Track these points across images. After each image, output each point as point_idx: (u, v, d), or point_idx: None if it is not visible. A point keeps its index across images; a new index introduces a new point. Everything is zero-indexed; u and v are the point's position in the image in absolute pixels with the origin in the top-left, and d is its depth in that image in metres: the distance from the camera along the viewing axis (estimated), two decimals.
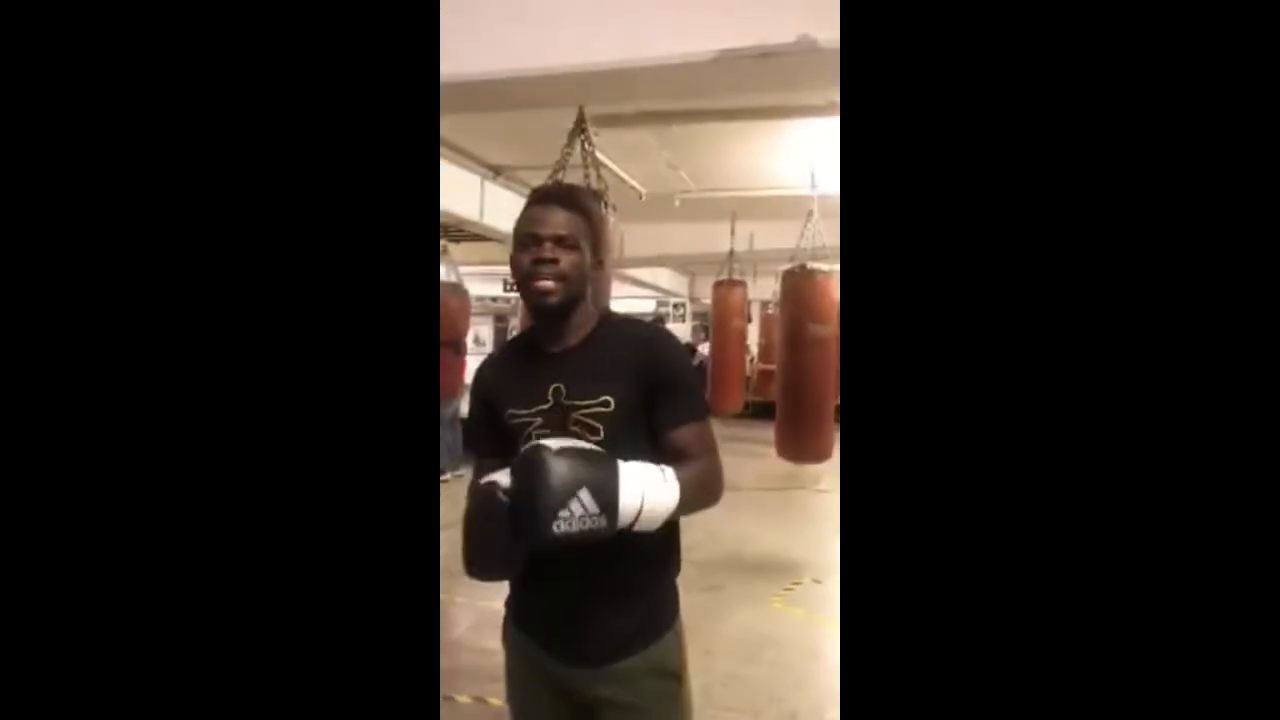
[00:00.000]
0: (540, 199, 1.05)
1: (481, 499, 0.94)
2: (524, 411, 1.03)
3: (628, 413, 0.99)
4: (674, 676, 1.05)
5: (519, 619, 1.10)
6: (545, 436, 0.98)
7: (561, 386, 1.01)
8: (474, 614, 3.17)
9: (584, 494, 0.85)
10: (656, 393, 1.00)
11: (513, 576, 0.98)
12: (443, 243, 5.64)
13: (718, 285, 6.26)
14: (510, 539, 0.90)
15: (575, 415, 0.99)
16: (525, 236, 1.02)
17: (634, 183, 4.72)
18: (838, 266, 3.93)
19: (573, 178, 2.68)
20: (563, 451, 0.87)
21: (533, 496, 0.86)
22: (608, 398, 0.99)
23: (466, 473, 1.14)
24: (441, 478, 5.79)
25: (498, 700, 2.36)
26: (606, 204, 2.57)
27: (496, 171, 4.93)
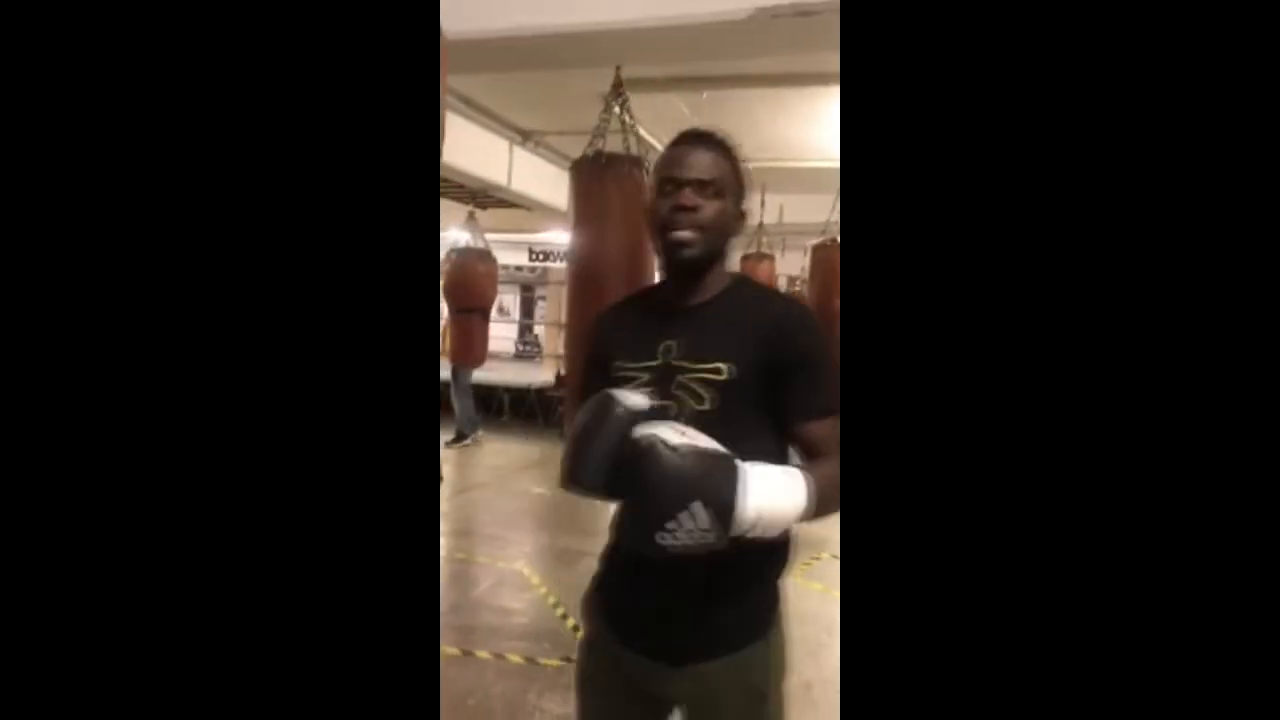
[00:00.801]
0: (683, 139, 0.93)
1: (594, 408, 0.83)
2: (631, 366, 0.92)
3: (743, 385, 0.87)
4: (759, 693, 0.92)
5: (602, 600, 0.99)
6: (649, 397, 0.88)
7: (673, 344, 0.90)
8: (494, 574, 3.22)
9: (698, 507, 0.74)
10: (784, 374, 0.87)
11: (595, 493, 0.84)
12: (470, 208, 5.63)
13: (745, 259, 6.20)
14: (615, 456, 0.79)
15: (682, 378, 0.88)
16: (664, 181, 0.91)
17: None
18: None
19: (611, 144, 2.64)
20: (681, 451, 0.75)
21: (643, 500, 0.76)
22: (720, 364, 0.87)
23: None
24: (463, 443, 5.86)
25: (516, 657, 2.41)
26: (647, 170, 2.53)
27: (525, 136, 4.90)
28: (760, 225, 6.04)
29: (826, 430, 0.88)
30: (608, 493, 0.83)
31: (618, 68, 2.61)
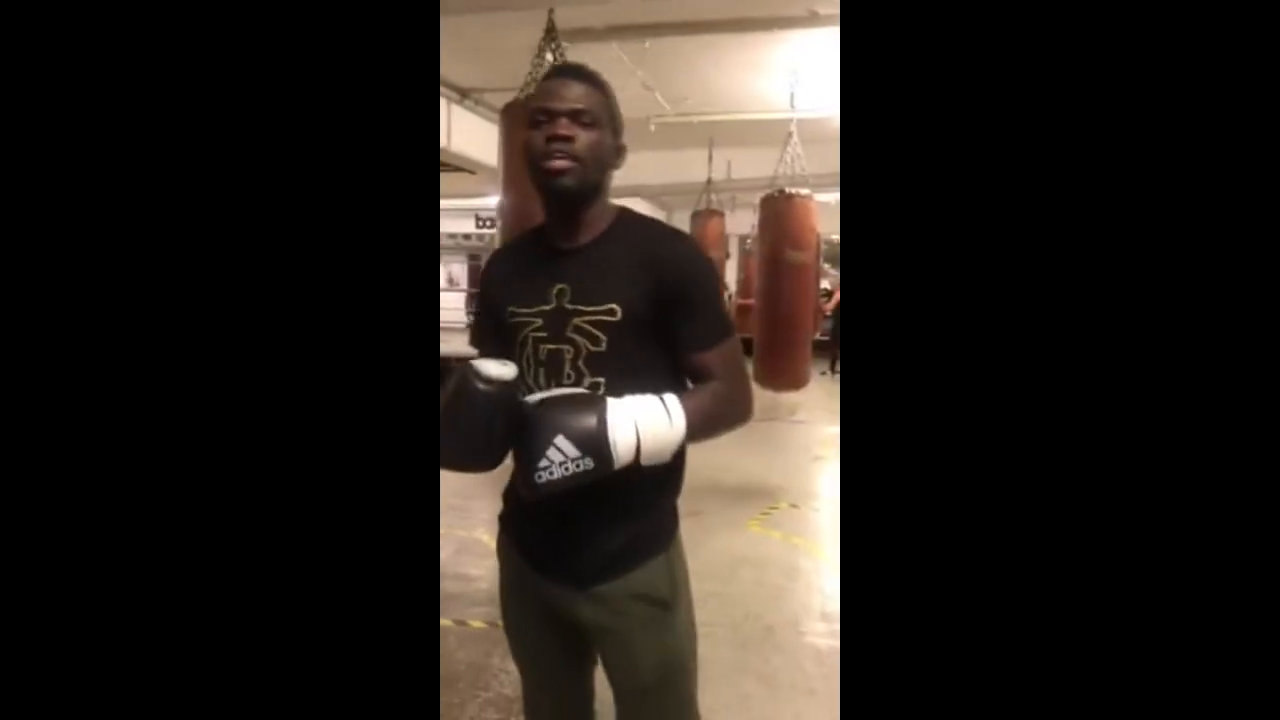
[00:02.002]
0: (555, 72, 0.94)
1: (456, 383, 0.85)
2: (524, 310, 0.94)
3: (636, 323, 0.89)
4: (661, 603, 0.96)
5: (511, 534, 1.04)
6: (544, 340, 0.92)
7: (566, 288, 0.91)
8: (454, 542, 3.19)
9: (561, 440, 0.81)
10: (674, 307, 0.90)
11: (484, 470, 0.87)
12: None
13: (695, 215, 6.16)
14: (484, 430, 0.84)
15: (577, 321, 0.90)
16: (538, 112, 0.90)
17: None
18: (813, 193, 3.86)
19: None
20: (540, 403, 0.84)
21: (518, 453, 0.84)
22: (614, 305, 0.89)
23: None
24: None
25: (479, 623, 2.40)
26: None
27: (464, 94, 4.71)
28: (709, 182, 5.99)
29: (713, 358, 0.92)
30: (486, 466, 0.87)
31: (550, 11, 2.51)
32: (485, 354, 0.96)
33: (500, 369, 0.86)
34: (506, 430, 0.85)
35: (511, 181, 2.45)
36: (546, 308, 0.92)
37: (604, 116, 0.91)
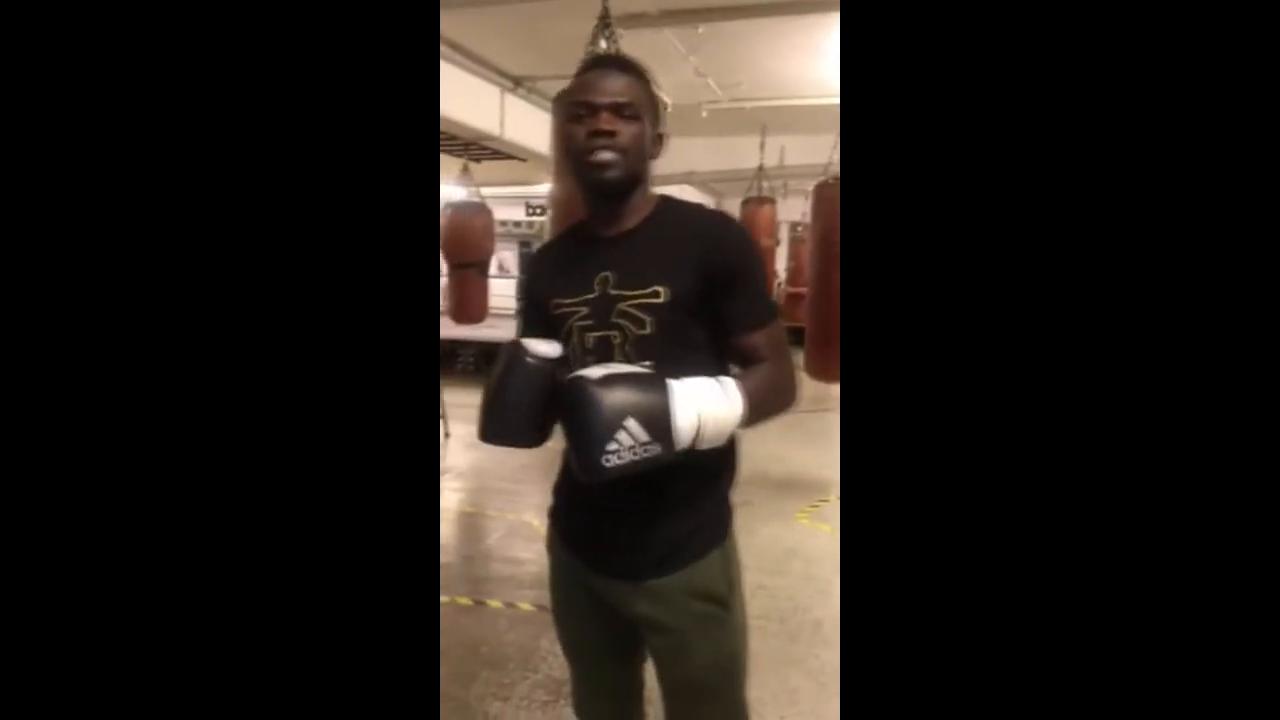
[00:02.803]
0: (594, 64, 0.93)
1: (505, 359, 0.86)
2: (569, 301, 0.93)
3: (681, 306, 0.88)
4: (718, 600, 0.94)
5: (561, 528, 1.02)
6: (589, 329, 0.90)
7: (610, 275, 0.90)
8: (504, 525, 3.25)
9: (631, 423, 0.78)
10: (719, 288, 0.89)
11: (527, 445, 0.89)
12: (463, 162, 5.51)
13: (745, 203, 6.07)
14: (531, 405, 0.84)
15: (621, 306, 0.89)
16: (578, 106, 0.89)
17: (660, 93, 4.52)
18: None
19: None
20: (605, 380, 0.79)
21: (579, 433, 0.80)
22: (658, 288, 0.88)
23: None
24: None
25: (527, 605, 2.44)
26: None
27: (517, 83, 4.74)
28: (760, 169, 5.90)
29: (761, 339, 0.92)
30: (532, 442, 0.89)
31: (604, 1, 2.49)
32: None
33: (548, 347, 0.87)
34: (551, 407, 0.85)
35: (563, 170, 2.46)
36: (590, 295, 0.91)
37: (645, 107, 0.90)
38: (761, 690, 1.91)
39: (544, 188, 8.45)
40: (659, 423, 0.79)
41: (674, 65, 4.13)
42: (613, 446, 0.78)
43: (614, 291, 0.90)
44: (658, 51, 3.67)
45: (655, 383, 0.81)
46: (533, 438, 0.88)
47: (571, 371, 0.84)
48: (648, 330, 0.88)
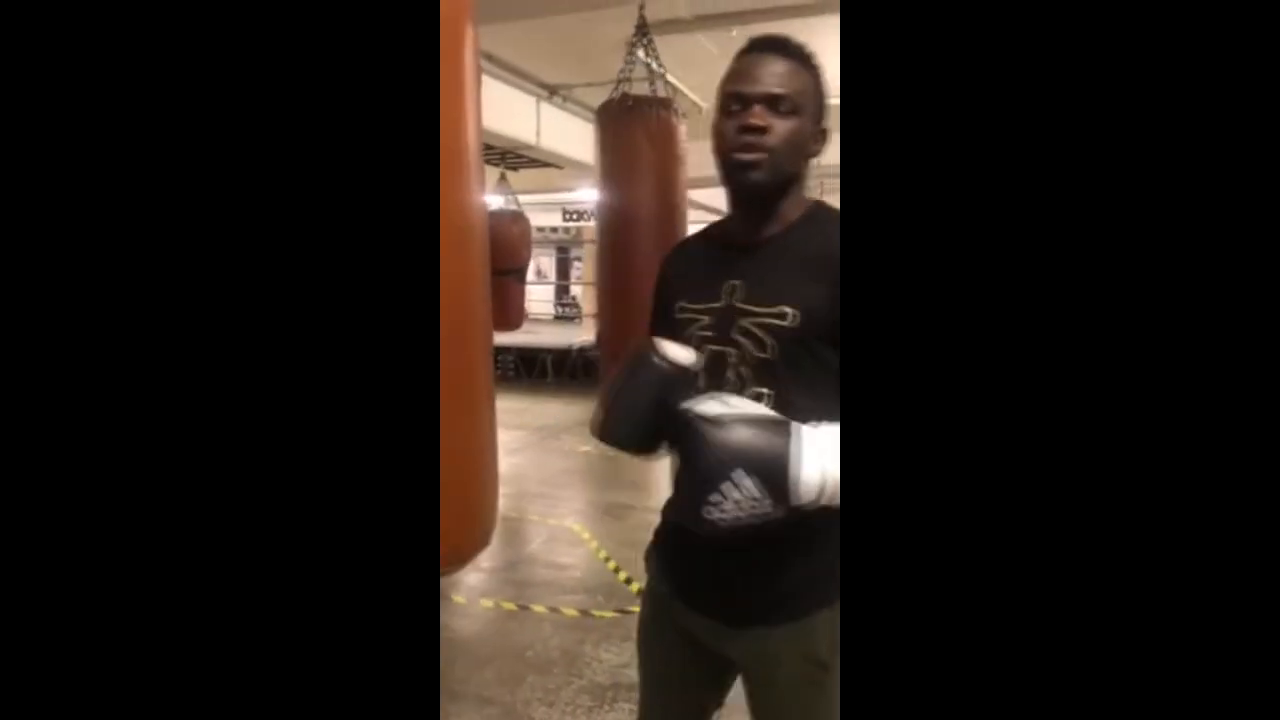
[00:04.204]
0: (751, 48, 0.81)
1: (633, 359, 0.78)
2: (693, 307, 0.84)
3: (812, 330, 0.77)
4: (819, 664, 0.84)
5: (659, 557, 0.93)
6: (709, 340, 0.82)
7: (739, 284, 0.81)
8: (546, 531, 3.28)
9: (741, 476, 0.69)
10: None
11: (638, 453, 0.80)
12: (501, 170, 5.59)
13: None
14: (647, 411, 0.76)
15: (744, 323, 0.80)
16: (729, 98, 0.79)
17: (694, 96, 4.52)
18: None
19: (635, 90, 2.56)
20: (721, 421, 0.70)
21: (685, 475, 0.72)
22: (787, 308, 0.78)
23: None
24: None
25: (571, 610, 2.46)
26: (676, 112, 2.44)
27: (552, 91, 4.80)
28: None
29: None
30: (643, 450, 0.80)
31: (641, 6, 2.51)
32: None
33: (682, 353, 0.78)
34: (669, 419, 0.75)
35: (609, 179, 2.47)
36: (716, 305, 0.83)
37: (806, 101, 0.80)
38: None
39: (579, 194, 8.52)
40: (775, 478, 0.69)
41: (708, 67, 4.13)
42: (715, 499, 0.69)
43: (740, 304, 0.81)
44: (691, 55, 3.67)
45: (779, 429, 0.71)
46: (643, 445, 0.79)
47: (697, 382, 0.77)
48: (769, 354, 0.79)
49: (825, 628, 0.84)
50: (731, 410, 0.72)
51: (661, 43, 2.79)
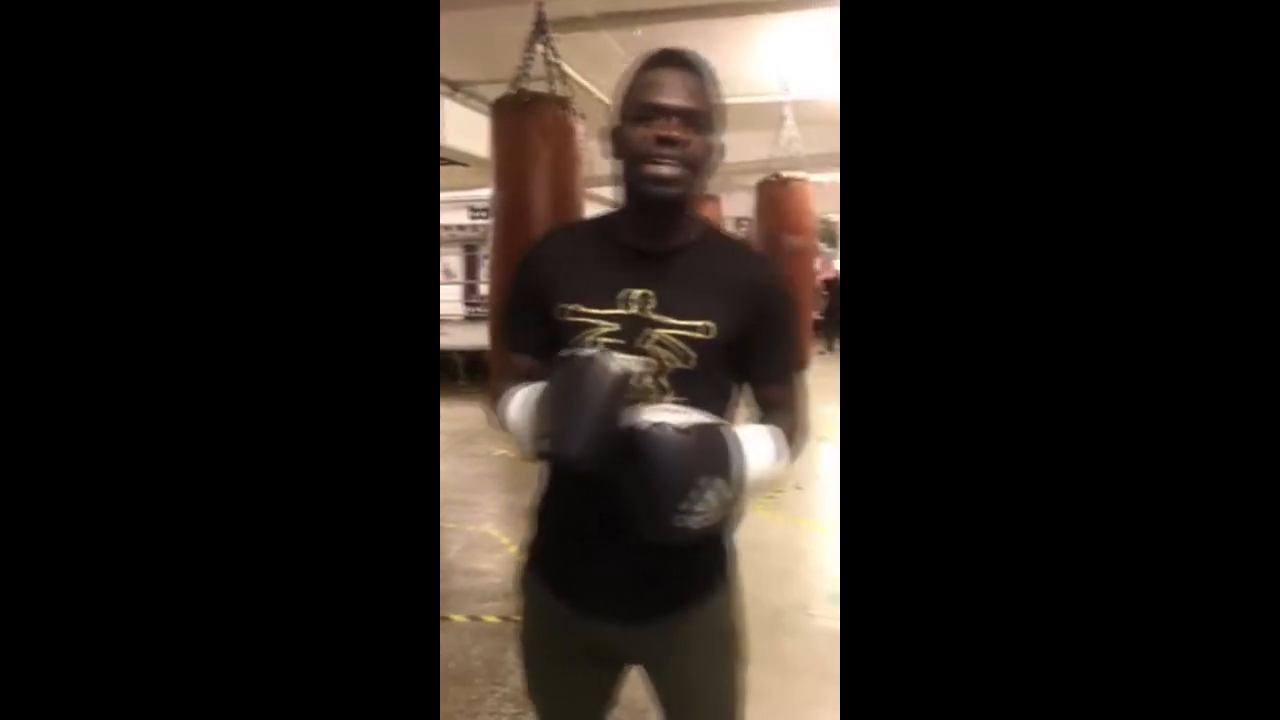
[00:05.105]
0: (663, 61, 0.82)
1: (580, 365, 0.72)
2: (591, 311, 0.82)
3: (726, 344, 0.82)
4: (728, 634, 0.91)
5: (542, 566, 0.92)
6: (617, 350, 0.78)
7: (651, 295, 0.82)
8: (463, 538, 3.21)
9: (707, 481, 0.71)
10: (760, 334, 0.84)
11: (579, 466, 0.74)
12: None
13: None
14: (605, 418, 0.71)
15: (661, 334, 0.81)
16: (645, 107, 0.79)
17: (600, 94, 4.52)
18: (811, 175, 3.85)
19: (534, 88, 2.53)
20: (690, 431, 0.71)
21: (652, 486, 0.70)
22: (710, 323, 0.81)
23: None
24: None
25: (492, 618, 2.42)
26: (574, 112, 2.44)
27: (455, 87, 4.68)
28: None
29: (788, 392, 0.89)
30: (597, 465, 0.74)
31: (539, 5, 2.49)
32: (516, 346, 0.88)
33: (636, 365, 0.76)
34: (612, 427, 0.72)
35: (504, 176, 2.44)
36: (623, 313, 0.82)
37: (714, 119, 0.83)
38: None
39: (486, 191, 8.33)
40: (737, 478, 0.72)
41: (613, 66, 4.14)
42: (685, 506, 0.70)
43: (654, 315, 0.82)
44: (596, 53, 3.67)
45: (728, 433, 0.75)
46: (591, 455, 0.74)
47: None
48: (691, 365, 0.81)
49: (726, 598, 0.91)
50: (687, 419, 0.73)
51: (568, 41, 2.78)
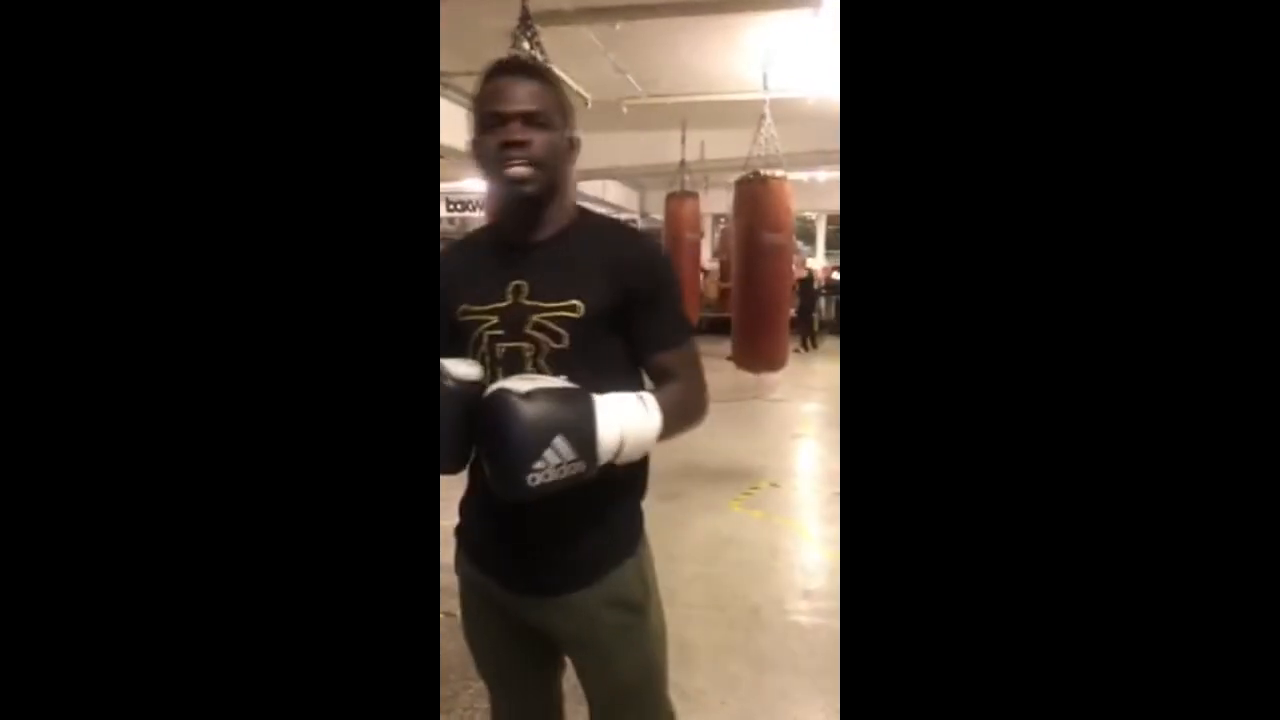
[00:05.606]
0: (500, 70, 0.89)
1: (441, 389, 0.82)
2: (478, 309, 0.90)
3: (599, 320, 0.87)
4: (634, 609, 0.95)
5: (469, 546, 0.99)
6: (501, 339, 0.88)
7: (524, 284, 0.89)
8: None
9: (559, 441, 0.76)
10: (636, 306, 0.89)
11: (449, 472, 0.84)
12: None
13: (670, 198, 6.13)
14: (453, 433, 0.81)
15: (537, 318, 0.88)
16: (489, 116, 0.87)
17: (579, 88, 4.51)
18: (789, 173, 3.87)
19: None
20: (532, 395, 0.77)
21: (502, 450, 0.77)
22: (577, 301, 0.87)
23: None
24: None
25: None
26: None
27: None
28: (682, 163, 5.97)
29: (675, 359, 0.92)
30: (454, 468, 0.84)
31: (524, 1, 2.47)
32: (445, 355, 0.94)
33: (467, 369, 0.85)
34: (472, 431, 0.82)
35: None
36: (502, 305, 0.89)
37: (556, 114, 0.88)
38: (703, 679, 1.95)
39: (464, 184, 8.25)
40: (586, 440, 0.78)
41: (593, 61, 4.12)
42: (539, 465, 0.76)
43: (528, 302, 0.88)
44: (576, 47, 3.66)
45: (581, 398, 0.80)
46: (456, 464, 0.85)
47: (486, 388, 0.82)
48: (564, 344, 0.87)
49: (632, 573, 0.95)
50: (537, 384, 0.79)
51: (546, 34, 2.76)
